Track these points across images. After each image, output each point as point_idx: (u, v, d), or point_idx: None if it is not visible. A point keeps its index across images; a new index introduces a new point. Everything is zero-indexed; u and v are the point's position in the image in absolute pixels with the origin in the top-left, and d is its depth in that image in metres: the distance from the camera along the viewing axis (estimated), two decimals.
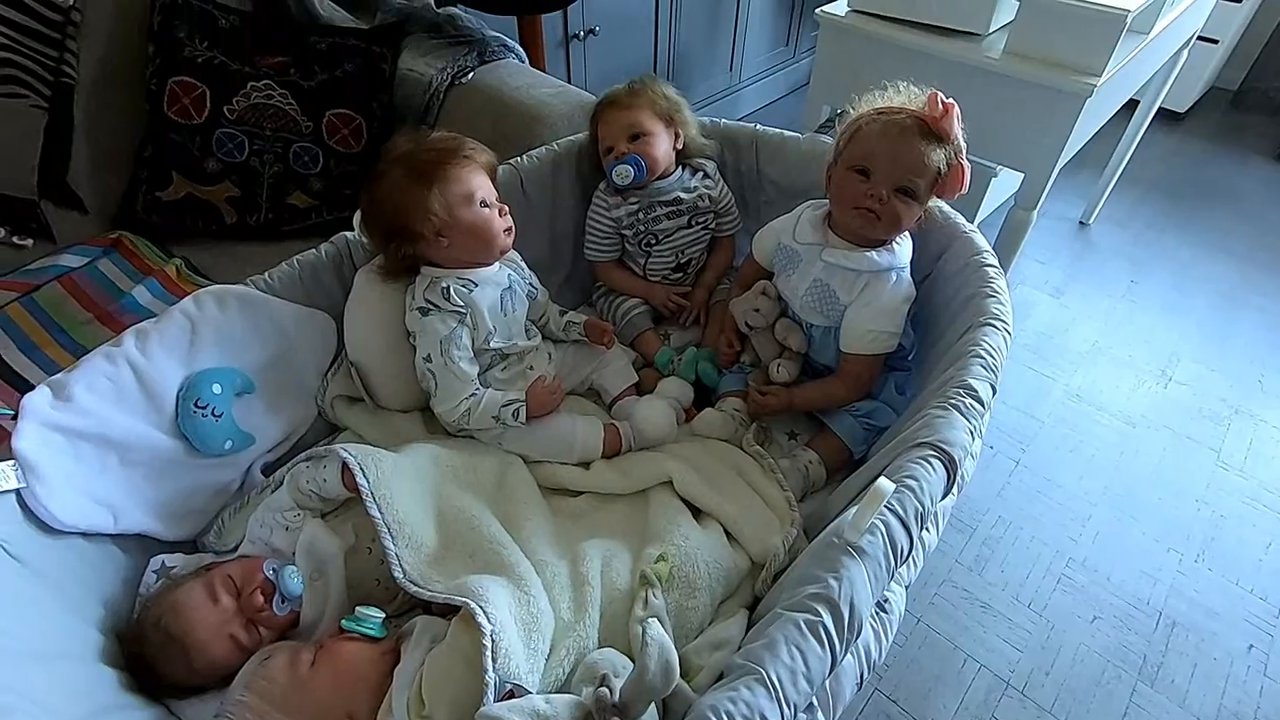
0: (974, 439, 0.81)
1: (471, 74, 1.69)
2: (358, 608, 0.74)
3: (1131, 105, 2.13)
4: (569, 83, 2.35)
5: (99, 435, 0.80)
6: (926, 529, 0.82)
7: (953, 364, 0.90)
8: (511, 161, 1.21)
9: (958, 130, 0.94)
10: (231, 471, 0.93)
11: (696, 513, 0.94)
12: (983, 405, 0.83)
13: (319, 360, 1.03)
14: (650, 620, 0.67)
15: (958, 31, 1.53)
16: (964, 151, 0.97)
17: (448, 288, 0.98)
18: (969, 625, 1.51)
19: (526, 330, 1.11)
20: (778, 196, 1.30)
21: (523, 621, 0.71)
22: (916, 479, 0.74)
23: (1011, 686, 1.39)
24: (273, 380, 0.98)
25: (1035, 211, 1.58)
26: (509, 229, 1.02)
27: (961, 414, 0.81)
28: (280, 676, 0.68)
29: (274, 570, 0.78)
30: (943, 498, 0.78)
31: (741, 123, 1.31)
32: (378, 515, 0.81)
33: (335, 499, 0.87)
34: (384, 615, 0.75)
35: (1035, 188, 1.54)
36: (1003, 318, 0.93)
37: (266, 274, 0.99)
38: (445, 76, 1.69)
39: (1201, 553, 1.63)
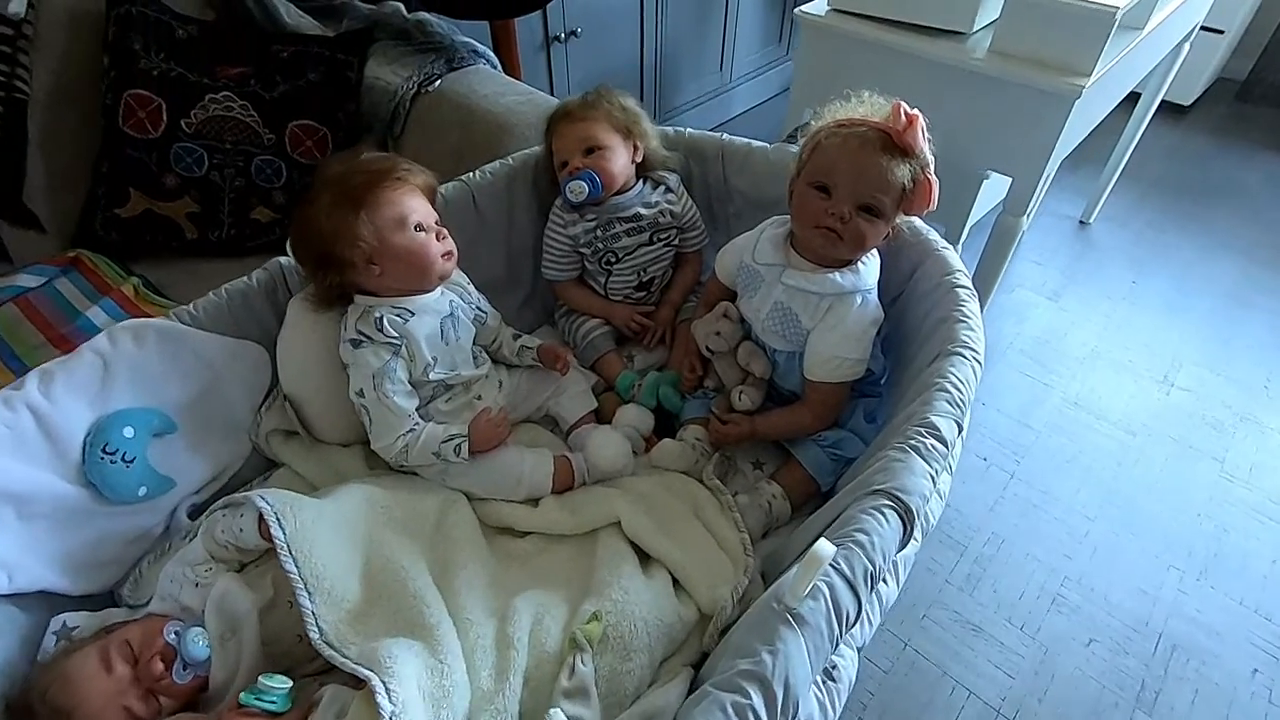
0: (935, 482, 0.74)
1: (439, 81, 1.63)
2: (260, 678, 0.69)
3: (1134, 97, 2.05)
4: (550, 88, 2.30)
5: None
6: (884, 581, 0.76)
7: (918, 396, 0.83)
8: (463, 178, 1.15)
9: (923, 143, 0.87)
10: (151, 517, 0.88)
11: (646, 557, 0.88)
12: (946, 445, 0.76)
13: (251, 394, 0.98)
14: (555, 712, 0.61)
15: (941, 31, 1.46)
16: (931, 165, 0.90)
17: (380, 318, 0.92)
18: (959, 650, 1.44)
19: (475, 358, 1.05)
20: (746, 208, 1.23)
21: (432, 697, 0.65)
22: (868, 533, 0.68)
23: (1003, 716, 1.33)
24: (197, 418, 0.92)
25: (1025, 218, 1.50)
26: (448, 253, 0.96)
27: (921, 456, 0.74)
28: None
29: (176, 634, 0.72)
30: (899, 550, 0.71)
31: (707, 133, 1.24)
32: (293, 570, 0.76)
33: (254, 550, 0.82)
34: (289, 686, 0.69)
35: (1024, 193, 1.46)
36: (972, 345, 0.86)
37: (191, 305, 0.93)
38: (411, 85, 1.63)
39: (1204, 570, 1.56)
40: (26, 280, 1.46)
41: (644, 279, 1.20)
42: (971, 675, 1.40)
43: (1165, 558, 1.59)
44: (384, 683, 0.63)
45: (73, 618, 0.78)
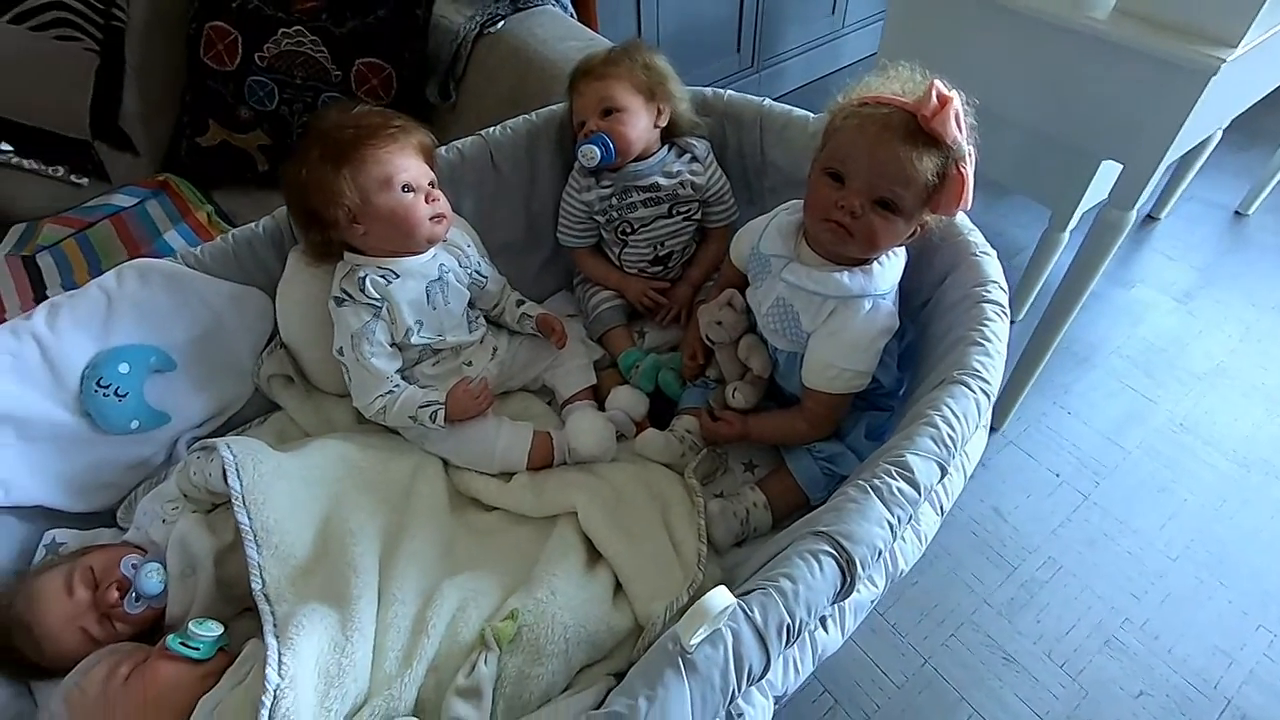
0: (895, 531, 0.65)
1: (502, 22, 1.58)
2: (190, 624, 0.72)
3: None
4: (639, 35, 2.19)
5: None
6: (822, 629, 0.69)
7: (908, 425, 0.73)
8: (482, 133, 1.11)
9: (956, 131, 0.74)
10: (148, 447, 0.94)
11: (598, 554, 0.85)
12: (917, 490, 0.66)
13: (254, 338, 1.01)
14: (454, 703, 0.60)
15: None
16: (969, 158, 0.76)
17: (364, 278, 0.91)
18: (984, 677, 1.33)
19: (469, 324, 1.03)
20: (782, 184, 1.12)
21: (327, 674, 0.66)
22: (795, 580, 0.61)
23: None
24: (198, 358, 0.96)
25: (1133, 212, 1.28)
26: (438, 216, 0.93)
27: (881, 500, 0.65)
28: (92, 689, 0.67)
29: (133, 566, 0.77)
30: (836, 601, 0.64)
31: (748, 97, 1.13)
32: (245, 521, 0.79)
33: (223, 493, 0.85)
34: (216, 634, 0.72)
35: (1135, 184, 1.24)
36: (983, 374, 0.74)
37: (199, 248, 0.96)
38: (474, 25, 1.59)
39: None
40: (121, 200, 1.58)
41: (660, 253, 1.13)
42: (994, 706, 1.29)
43: (1255, 616, 1.38)
44: (280, 653, 0.64)
45: (62, 534, 0.85)
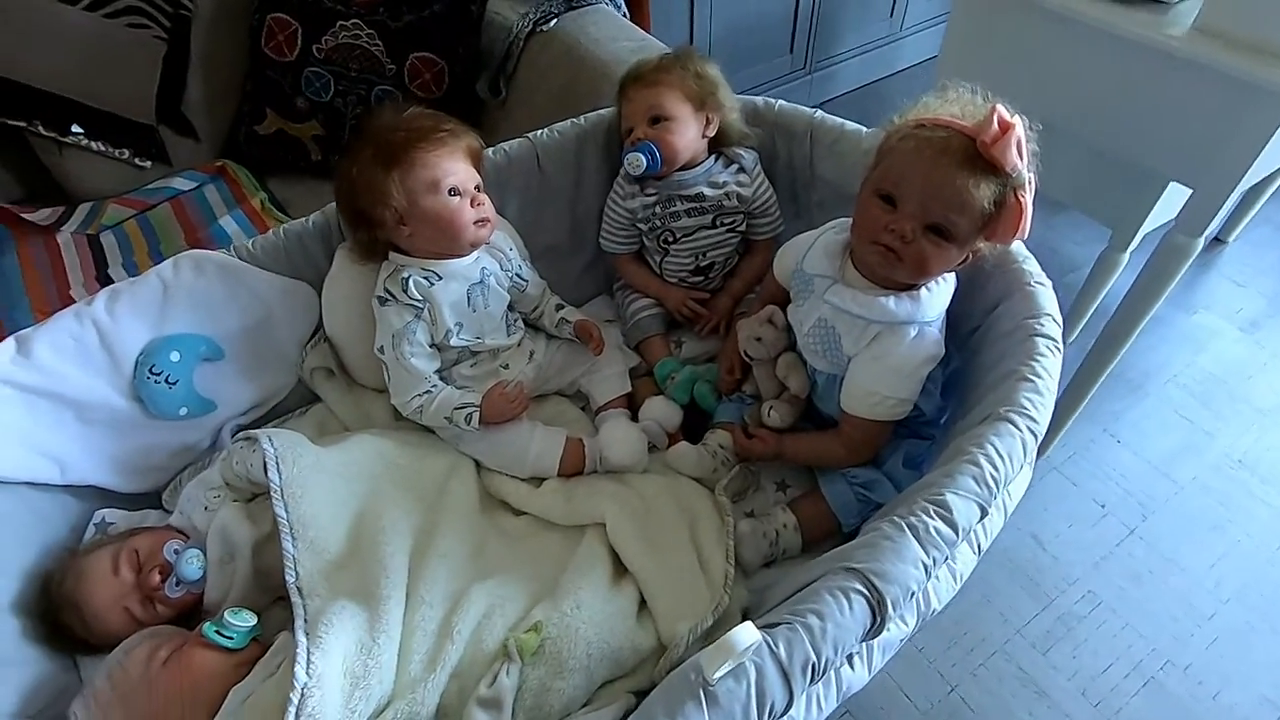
0: (930, 572, 0.64)
1: (555, 20, 1.58)
2: (226, 613, 0.74)
3: None
4: (690, 35, 2.17)
5: (55, 393, 0.84)
6: (849, 665, 0.67)
7: (951, 460, 0.71)
8: (529, 135, 1.11)
9: (1017, 158, 0.71)
10: (195, 433, 0.97)
11: (623, 568, 0.85)
12: (955, 531, 0.65)
13: (300, 331, 1.03)
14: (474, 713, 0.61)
15: None
16: (1029, 186, 0.73)
17: (407, 279, 0.92)
18: (1014, 710, 1.30)
19: (508, 327, 1.04)
20: (831, 199, 1.10)
21: (353, 674, 0.67)
22: (822, 618, 0.60)
23: None
24: (246, 348, 0.99)
25: (1200, 239, 1.22)
26: (483, 220, 0.94)
27: (917, 540, 0.64)
28: (134, 669, 0.70)
29: (175, 552, 0.80)
30: (866, 639, 0.63)
31: (800, 107, 1.10)
32: (282, 514, 0.80)
33: (263, 484, 0.87)
34: (250, 624, 0.74)
35: (1205, 210, 1.19)
36: (1031, 412, 0.71)
37: (250, 242, 0.99)
38: (527, 22, 1.59)
39: None
40: (181, 184, 1.63)
41: (702, 263, 1.12)
42: None
43: None
44: (309, 651, 0.65)
45: (112, 514, 0.88)
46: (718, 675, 0.54)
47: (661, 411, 1.03)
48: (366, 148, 0.90)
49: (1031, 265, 0.85)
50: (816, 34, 2.38)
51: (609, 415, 1.04)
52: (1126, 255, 1.69)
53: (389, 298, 0.93)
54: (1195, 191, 1.20)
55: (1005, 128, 0.70)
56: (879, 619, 0.61)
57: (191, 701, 0.68)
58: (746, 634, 0.54)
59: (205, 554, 0.82)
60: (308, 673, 0.64)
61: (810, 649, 0.58)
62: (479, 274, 0.97)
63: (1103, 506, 1.56)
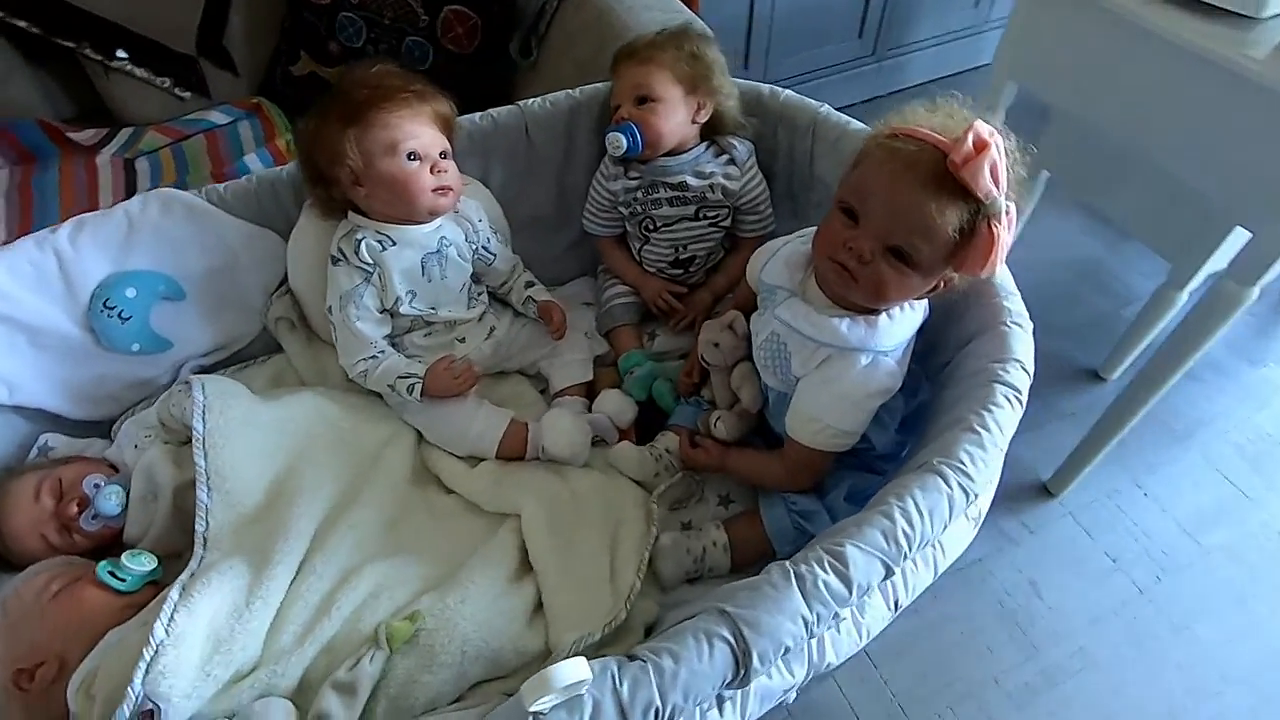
0: (812, 629, 0.58)
1: None
2: (125, 555, 0.75)
3: None
4: (750, 11, 2.05)
5: (8, 316, 0.86)
6: (718, 709, 0.63)
7: (874, 507, 0.65)
8: (520, 104, 1.06)
9: (989, 183, 0.62)
10: (153, 369, 0.98)
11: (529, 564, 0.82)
12: (848, 590, 0.59)
13: (266, 279, 1.03)
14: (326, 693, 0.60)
15: (1216, 9, 1.04)
16: (1004, 215, 0.65)
17: (360, 241, 0.90)
18: None
19: (469, 299, 1.01)
20: (828, 202, 1.01)
21: (217, 637, 0.67)
22: (678, 661, 0.55)
23: None
24: (208, 290, 0.99)
25: (1255, 289, 1.08)
26: (443, 188, 0.90)
27: (803, 593, 0.58)
28: (27, 597, 0.71)
29: (95, 486, 0.81)
30: (723, 689, 0.58)
31: (806, 99, 1.02)
32: (201, 463, 0.81)
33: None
34: (147, 569, 0.75)
35: (1262, 258, 1.05)
36: (966, 469, 0.64)
37: (222, 186, 0.98)
38: None
39: None
40: (217, 117, 1.66)
41: (682, 256, 1.06)
42: None
43: None
44: (175, 609, 0.65)
45: (54, 438, 0.90)
46: (536, 708, 0.50)
47: (614, 405, 0.99)
48: (330, 103, 0.87)
49: (1013, 303, 0.76)
50: (889, 19, 2.22)
51: (560, 403, 1.00)
52: (1185, 294, 1.53)
53: (340, 258, 0.91)
54: (1255, 236, 1.06)
55: (980, 147, 0.61)
56: (743, 671, 0.57)
57: (75, 635, 0.69)
58: (573, 670, 0.50)
59: (129, 491, 0.83)
60: (166, 630, 0.64)
61: (656, 692, 0.54)
62: (436, 243, 0.94)
63: (1114, 561, 1.45)
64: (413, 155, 0.88)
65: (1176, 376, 1.26)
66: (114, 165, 1.58)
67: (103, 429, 0.97)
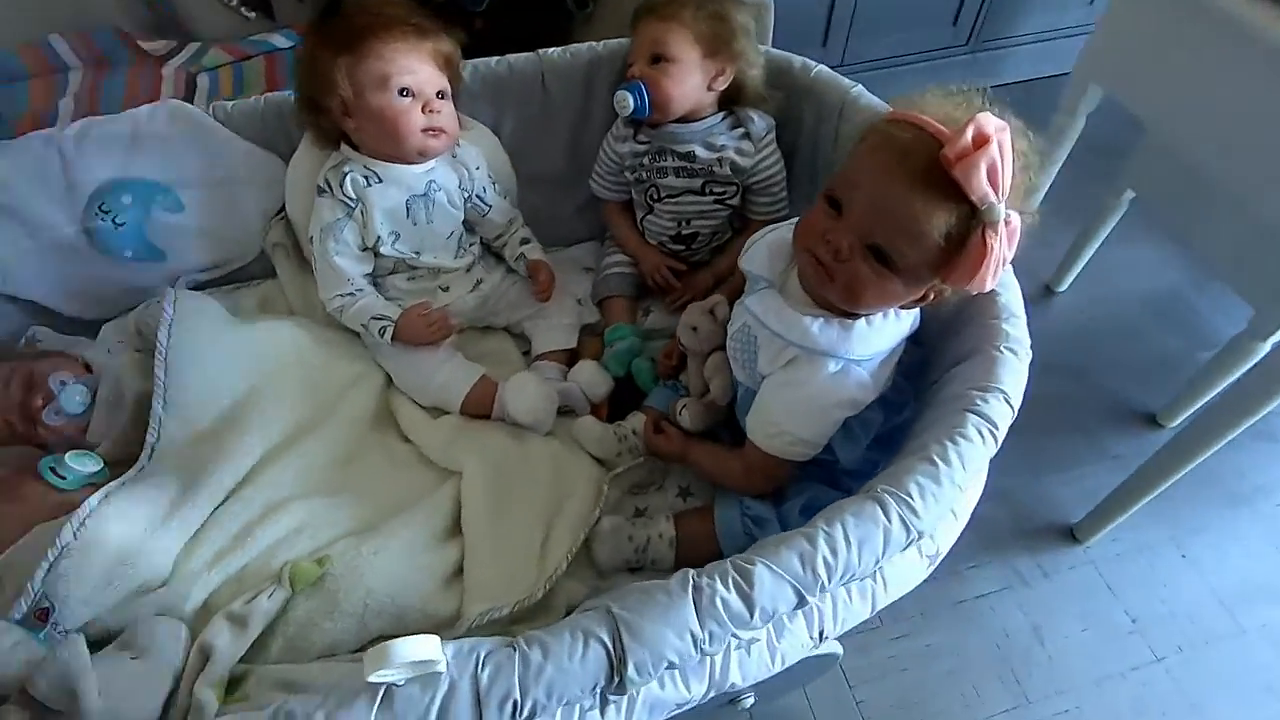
0: (700, 650, 0.53)
1: None
2: (69, 454, 0.76)
3: None
4: None
5: (8, 205, 0.89)
6: (600, 714, 0.59)
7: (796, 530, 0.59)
8: (539, 52, 1.01)
9: (987, 187, 0.54)
10: (148, 278, 0.99)
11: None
12: (749, 613, 0.53)
13: (266, 203, 1.03)
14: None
15: None
16: (1002, 223, 0.56)
17: (346, 174, 0.88)
18: None
19: (458, 248, 0.98)
20: None
21: (123, 551, 0.67)
22: (547, 656, 0.51)
23: None
24: (207, 207, 0.99)
25: (1268, 343, 0.94)
26: (434, 129, 0.87)
27: (697, 609, 0.53)
28: None
29: (61, 383, 0.82)
30: (598, 692, 0.54)
31: (840, 76, 0.93)
32: (160, 375, 0.81)
33: None
34: (91, 471, 0.76)
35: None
36: (913, 503, 0.57)
37: (230, 104, 0.98)
38: None
39: None
40: (278, 40, 1.67)
41: (684, 231, 1.00)
42: None
43: None
44: (86, 516, 0.66)
45: (43, 332, 0.93)
46: (374, 679, 0.48)
47: (589, 377, 0.95)
48: (327, 27, 0.85)
49: (1013, 327, 0.67)
50: (990, 8, 2.04)
51: (536, 368, 0.97)
52: (1267, 346, 1.37)
53: (326, 189, 0.90)
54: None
55: (980, 142, 0.53)
56: (617, 678, 0.52)
57: (6, 527, 0.71)
58: (420, 647, 0.47)
59: (95, 392, 0.84)
60: (75, 534, 0.64)
61: (516, 684, 0.51)
62: (424, 186, 0.91)
63: (1134, 621, 1.33)
64: (405, 91, 0.84)
65: (1236, 431, 1.13)
66: (177, 77, 1.61)
67: (93, 330, 0.99)
